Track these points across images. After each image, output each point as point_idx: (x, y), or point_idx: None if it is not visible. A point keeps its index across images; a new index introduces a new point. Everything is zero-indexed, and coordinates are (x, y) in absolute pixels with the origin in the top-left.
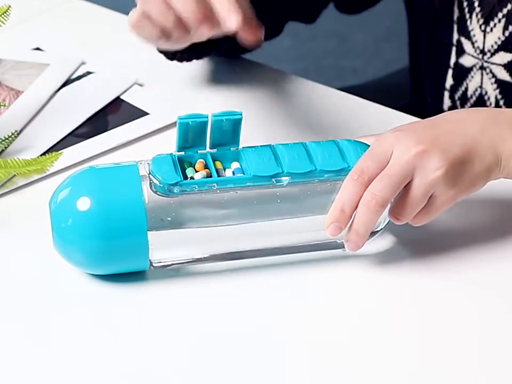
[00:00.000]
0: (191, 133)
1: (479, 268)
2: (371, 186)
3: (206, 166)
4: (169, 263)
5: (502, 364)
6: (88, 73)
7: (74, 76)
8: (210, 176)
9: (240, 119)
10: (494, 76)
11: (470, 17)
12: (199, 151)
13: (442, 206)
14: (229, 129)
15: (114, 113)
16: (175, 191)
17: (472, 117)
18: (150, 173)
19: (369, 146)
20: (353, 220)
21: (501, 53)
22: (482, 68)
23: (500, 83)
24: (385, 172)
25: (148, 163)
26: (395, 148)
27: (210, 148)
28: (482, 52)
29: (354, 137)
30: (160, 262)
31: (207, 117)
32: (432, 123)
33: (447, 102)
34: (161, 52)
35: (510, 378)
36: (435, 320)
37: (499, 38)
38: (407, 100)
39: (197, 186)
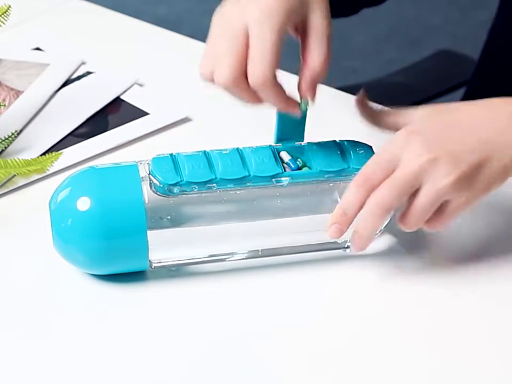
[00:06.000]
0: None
1: (480, 268)
2: (377, 191)
3: None
4: (169, 263)
5: (502, 366)
6: (88, 73)
7: (74, 76)
8: None
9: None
10: None
11: None
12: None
13: (456, 211)
14: None
15: (114, 113)
16: (175, 191)
17: (492, 115)
18: (150, 173)
19: (370, 146)
20: (357, 222)
21: None
22: None
23: None
24: (393, 177)
25: (148, 163)
26: (405, 152)
27: None
28: None
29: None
30: (160, 262)
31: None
32: (447, 121)
33: None
34: None
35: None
36: (436, 320)
37: None
38: (407, 99)
39: (196, 187)
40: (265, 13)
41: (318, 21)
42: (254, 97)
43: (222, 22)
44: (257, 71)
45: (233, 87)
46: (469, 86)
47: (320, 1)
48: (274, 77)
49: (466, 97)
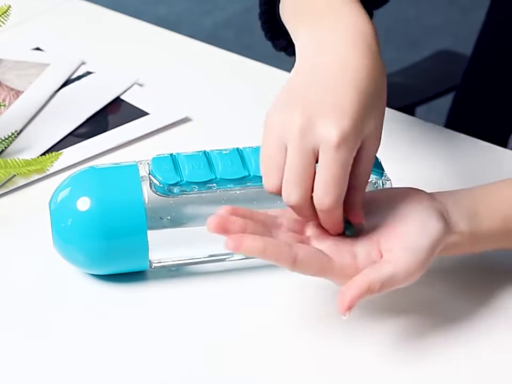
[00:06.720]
0: None
1: (479, 271)
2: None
3: None
4: (169, 263)
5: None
6: (88, 73)
7: (74, 76)
8: None
9: None
10: None
11: None
12: None
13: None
14: None
15: (114, 113)
16: (174, 191)
17: None
18: (150, 173)
19: None
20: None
21: None
22: None
23: None
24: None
25: (148, 163)
26: None
27: None
28: None
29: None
30: (160, 262)
31: None
32: None
33: None
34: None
35: None
36: (433, 322)
37: None
38: (407, 99)
39: (196, 187)
40: (342, 136)
41: (373, 145)
42: (316, 218)
43: (284, 133)
44: (330, 198)
45: (301, 208)
46: (461, 83)
47: (379, 120)
48: (341, 202)
49: (458, 92)
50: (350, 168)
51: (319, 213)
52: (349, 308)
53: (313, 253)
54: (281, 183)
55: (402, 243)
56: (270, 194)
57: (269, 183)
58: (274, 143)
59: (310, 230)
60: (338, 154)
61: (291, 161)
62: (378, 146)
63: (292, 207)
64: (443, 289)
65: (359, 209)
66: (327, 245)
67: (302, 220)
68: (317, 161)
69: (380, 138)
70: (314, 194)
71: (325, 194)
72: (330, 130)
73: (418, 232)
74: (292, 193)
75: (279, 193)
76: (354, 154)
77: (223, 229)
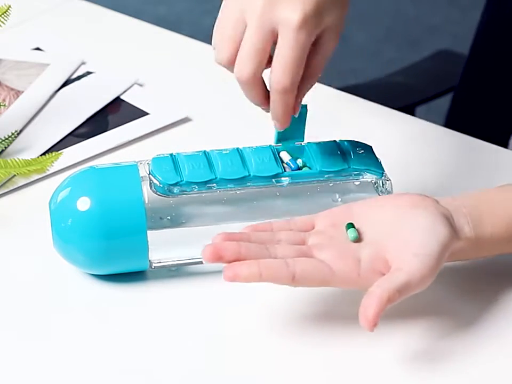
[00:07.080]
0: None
1: (480, 271)
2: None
3: None
4: (169, 263)
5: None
6: (88, 73)
7: (74, 76)
8: None
9: None
10: None
11: None
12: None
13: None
14: None
15: (114, 113)
16: (174, 191)
17: None
18: (150, 173)
19: (370, 146)
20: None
21: None
22: None
23: None
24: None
25: (148, 163)
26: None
27: None
28: None
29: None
30: (160, 262)
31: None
32: None
33: None
34: None
35: None
36: (438, 325)
37: None
38: (407, 99)
39: (196, 187)
40: (303, 19)
41: (331, 40)
42: (266, 100)
43: (246, 8)
44: (286, 78)
45: (252, 85)
46: (459, 84)
47: (340, 18)
48: (296, 85)
49: (456, 93)
50: (307, 53)
51: (272, 96)
52: (375, 324)
53: (313, 266)
54: (233, 56)
55: (412, 249)
56: (220, 65)
57: (220, 53)
58: (233, 15)
59: (312, 239)
60: (298, 36)
61: (248, 36)
62: (335, 44)
63: (243, 83)
64: (447, 291)
65: (301, 99)
66: (329, 253)
67: (302, 230)
68: (274, 44)
69: (338, 37)
70: (271, 74)
71: (282, 74)
72: (292, 12)
73: (427, 237)
74: (244, 68)
75: (229, 65)
76: (312, 39)
77: (218, 257)
